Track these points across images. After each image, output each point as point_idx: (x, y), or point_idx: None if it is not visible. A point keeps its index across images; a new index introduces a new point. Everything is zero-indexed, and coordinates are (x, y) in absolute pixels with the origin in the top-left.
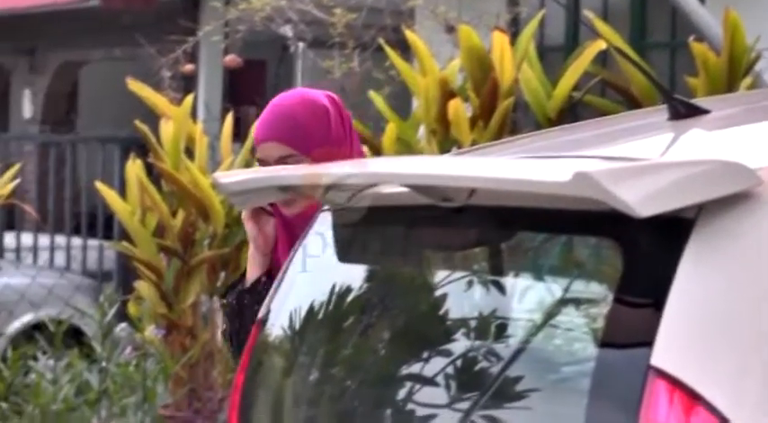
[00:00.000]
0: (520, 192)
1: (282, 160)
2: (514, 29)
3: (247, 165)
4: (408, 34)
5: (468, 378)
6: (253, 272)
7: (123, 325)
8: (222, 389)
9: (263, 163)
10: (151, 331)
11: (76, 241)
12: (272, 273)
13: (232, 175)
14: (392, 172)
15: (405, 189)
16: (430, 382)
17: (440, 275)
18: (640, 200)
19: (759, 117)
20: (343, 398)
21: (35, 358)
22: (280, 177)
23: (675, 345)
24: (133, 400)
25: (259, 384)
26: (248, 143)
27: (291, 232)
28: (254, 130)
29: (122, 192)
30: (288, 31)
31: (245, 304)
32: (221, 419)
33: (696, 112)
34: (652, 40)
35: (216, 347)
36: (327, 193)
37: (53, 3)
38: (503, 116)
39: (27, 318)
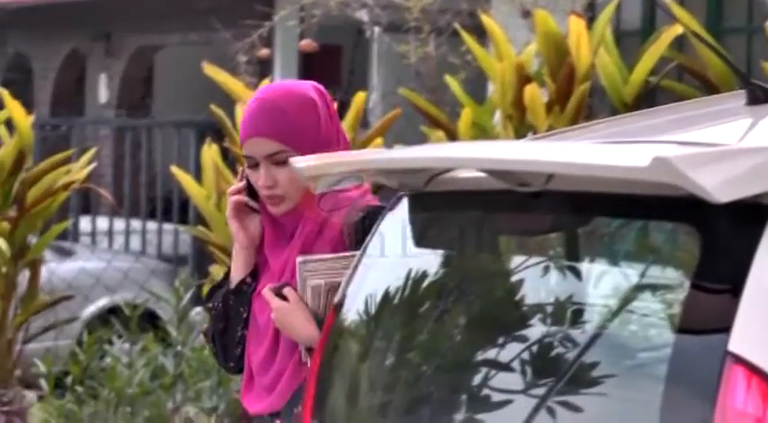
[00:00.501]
0: (597, 177)
1: (271, 157)
2: (591, 13)
3: None
4: (484, 19)
5: (543, 364)
6: (237, 272)
7: (198, 309)
8: None
9: (251, 160)
10: None
11: (152, 225)
12: (256, 272)
13: (309, 160)
14: (469, 156)
15: (481, 174)
16: (505, 367)
17: (516, 261)
18: (718, 185)
19: None
20: (418, 383)
21: (110, 342)
22: (359, 162)
23: (753, 330)
24: (208, 384)
25: (334, 369)
26: None
27: (279, 230)
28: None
29: (198, 176)
30: (363, 15)
31: (231, 305)
32: None
33: None
34: (728, 25)
35: None
36: (403, 178)
37: None
38: (579, 101)
39: (103, 302)
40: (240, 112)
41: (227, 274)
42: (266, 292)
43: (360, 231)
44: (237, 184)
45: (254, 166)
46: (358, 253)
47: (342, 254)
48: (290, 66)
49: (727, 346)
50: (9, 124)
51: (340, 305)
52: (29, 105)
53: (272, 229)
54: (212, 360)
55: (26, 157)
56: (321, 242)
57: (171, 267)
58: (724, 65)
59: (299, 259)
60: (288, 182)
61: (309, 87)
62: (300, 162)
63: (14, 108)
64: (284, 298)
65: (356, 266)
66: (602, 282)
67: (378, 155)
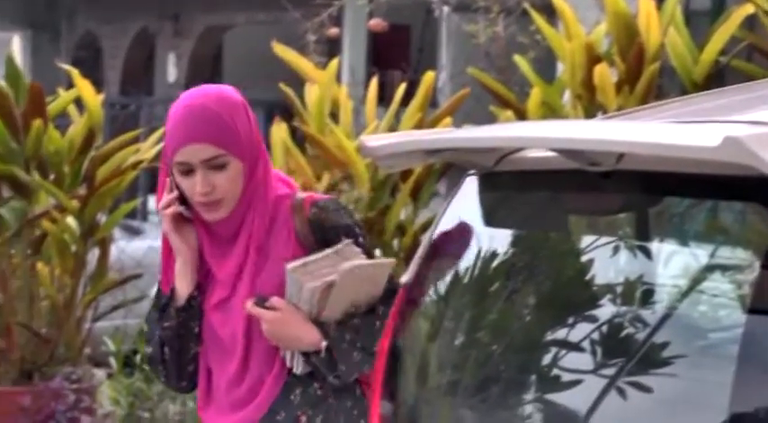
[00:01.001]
0: (668, 157)
1: (208, 162)
2: None
3: (392, 129)
4: None
5: (613, 344)
6: (184, 287)
7: None
8: None
9: (184, 166)
10: None
11: None
12: (200, 285)
13: (379, 139)
14: (540, 136)
15: (552, 153)
16: (575, 348)
17: (586, 240)
18: None
19: None
20: (488, 363)
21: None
22: (428, 141)
23: None
24: None
25: (404, 348)
26: (393, 107)
27: (215, 238)
28: (164, 133)
29: None
30: None
31: (181, 323)
32: None
33: None
34: None
35: None
36: (473, 158)
37: None
38: (649, 81)
39: None
40: (309, 91)
41: (172, 292)
42: (252, 307)
43: (317, 227)
44: (167, 196)
45: (187, 172)
46: (345, 245)
47: (321, 254)
48: (359, 45)
49: None
50: (79, 103)
51: (410, 284)
52: (98, 84)
53: (209, 238)
54: None
55: (96, 136)
56: (273, 243)
57: None
58: None
59: (291, 265)
60: (226, 186)
61: (231, 90)
62: (371, 141)
63: (84, 87)
64: (268, 309)
65: (426, 246)
66: (671, 262)
67: (448, 134)
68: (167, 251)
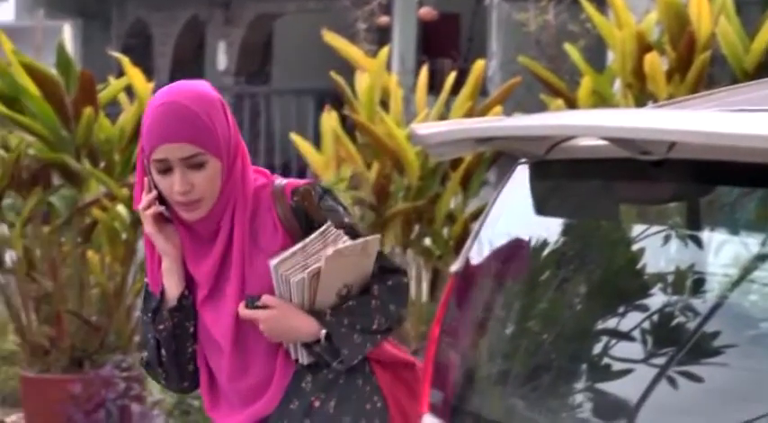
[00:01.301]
0: (720, 145)
1: (187, 160)
2: None
3: (442, 117)
4: None
5: (664, 334)
6: (173, 287)
7: None
8: (415, 341)
9: (162, 164)
10: None
11: None
12: (189, 283)
13: (430, 127)
14: (592, 124)
15: (603, 142)
16: (626, 337)
17: (637, 229)
18: None
19: None
20: (538, 351)
21: None
22: (479, 129)
23: None
24: None
25: (454, 337)
26: (444, 95)
27: (195, 237)
28: (141, 132)
29: (316, 143)
30: None
31: (176, 323)
32: None
33: None
34: None
35: (409, 300)
36: (524, 146)
37: None
38: (699, 70)
39: None
40: (360, 79)
41: (162, 293)
42: (244, 311)
43: (301, 214)
44: (147, 196)
45: (165, 171)
46: (326, 228)
47: (304, 242)
48: (409, 34)
49: None
50: (129, 91)
51: (460, 273)
52: (149, 72)
53: (189, 237)
54: None
55: None
56: (261, 235)
57: None
58: None
59: (273, 262)
60: (204, 185)
61: (208, 87)
62: (422, 129)
63: (135, 75)
64: (260, 308)
65: (477, 234)
66: (722, 251)
67: (499, 123)
68: (150, 251)
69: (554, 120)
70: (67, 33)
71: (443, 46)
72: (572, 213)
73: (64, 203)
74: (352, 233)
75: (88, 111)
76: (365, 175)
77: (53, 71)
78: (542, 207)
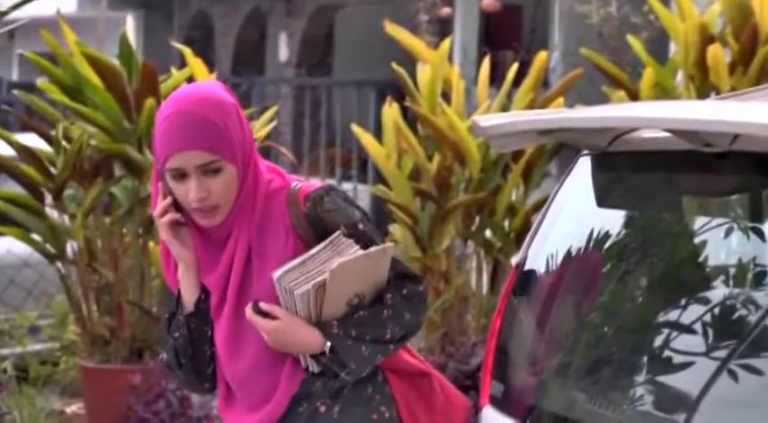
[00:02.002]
0: None
1: (202, 167)
2: None
3: (504, 109)
4: None
5: (725, 326)
6: (191, 292)
7: None
8: (475, 334)
9: (177, 172)
10: None
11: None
12: (204, 287)
13: (492, 119)
14: (655, 116)
15: (665, 134)
16: (687, 329)
17: (699, 221)
18: None
19: None
20: (600, 343)
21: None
22: (541, 121)
23: None
24: None
25: (514, 329)
26: (505, 87)
27: (209, 243)
28: (155, 141)
29: (377, 135)
30: None
31: (193, 328)
32: (474, 364)
33: None
34: None
35: (470, 292)
36: (587, 138)
37: None
38: (762, 62)
39: None
40: (421, 71)
41: (177, 300)
42: (251, 315)
43: (316, 221)
44: (162, 202)
45: (181, 177)
46: (336, 237)
47: (311, 252)
48: (471, 25)
49: None
50: (191, 82)
51: (521, 265)
52: (210, 63)
53: (203, 244)
54: None
55: None
56: (270, 244)
57: None
58: None
59: (276, 275)
60: (221, 191)
61: (220, 88)
62: (484, 121)
63: (196, 66)
64: (265, 315)
65: (538, 226)
66: None
67: (562, 114)
68: (167, 258)
69: (617, 111)
70: (130, 24)
71: (505, 37)
72: (634, 205)
73: (125, 194)
74: (365, 239)
75: (150, 102)
76: (426, 166)
77: (115, 62)
78: (604, 199)
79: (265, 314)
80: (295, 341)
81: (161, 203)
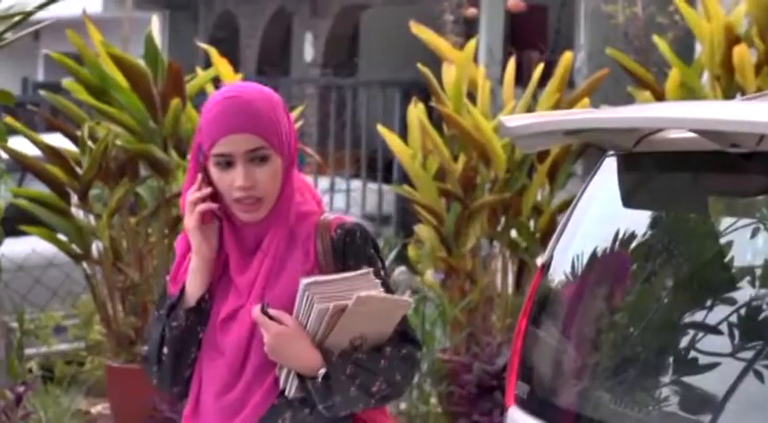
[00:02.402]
0: None
1: (251, 153)
2: None
3: (529, 109)
4: None
5: (751, 327)
6: (197, 288)
7: (402, 268)
8: (501, 334)
9: (223, 158)
10: (430, 275)
11: (356, 184)
12: (210, 288)
13: (519, 119)
14: (681, 117)
15: (692, 134)
16: (713, 329)
17: (725, 222)
18: None
19: None
20: (625, 344)
21: None
22: (568, 121)
23: None
24: None
25: (540, 328)
26: (531, 87)
27: (241, 242)
28: (198, 130)
29: (402, 135)
30: None
31: (188, 325)
32: (500, 364)
33: None
34: None
35: (495, 292)
36: (613, 138)
37: None
38: None
39: None
40: (447, 71)
41: (181, 291)
42: (258, 314)
43: (341, 250)
44: (203, 190)
45: (226, 165)
46: (365, 273)
47: (345, 275)
48: (496, 25)
49: None
50: (216, 82)
51: (547, 265)
52: (236, 63)
53: (236, 241)
54: (416, 319)
55: None
56: (290, 258)
57: (375, 226)
58: None
59: (306, 281)
60: (267, 181)
61: (271, 90)
62: (511, 121)
63: (222, 66)
64: (270, 318)
65: (564, 226)
66: None
67: (588, 114)
68: (185, 250)
69: (643, 112)
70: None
71: (531, 38)
72: (660, 206)
73: (151, 194)
74: (386, 287)
75: (175, 102)
76: (452, 166)
77: (141, 62)
78: (630, 199)
79: (272, 318)
80: (293, 353)
81: (200, 191)
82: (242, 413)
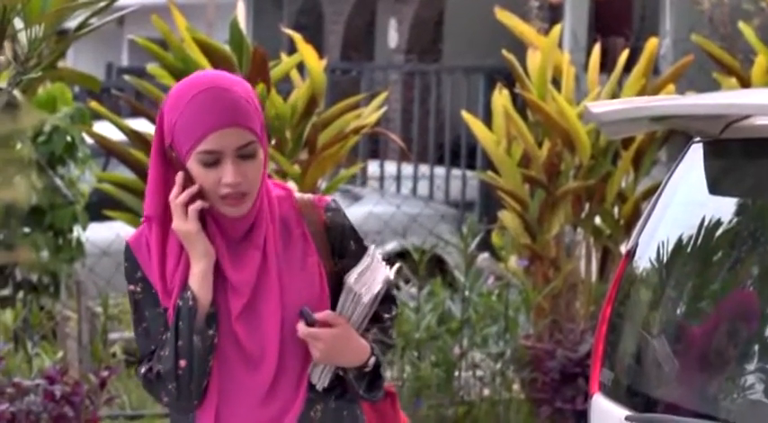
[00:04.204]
0: None
1: (240, 149)
2: None
3: (614, 96)
4: None
5: None
6: (207, 291)
7: (486, 255)
8: (584, 321)
9: (211, 155)
10: (514, 261)
11: (440, 171)
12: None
13: (605, 105)
14: None
15: None
16: None
17: None
18: None
19: None
20: (710, 332)
21: (398, 287)
22: (654, 108)
23: None
24: (494, 329)
25: (625, 316)
26: (616, 74)
27: (229, 240)
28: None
29: (486, 121)
30: None
31: (211, 334)
32: (583, 351)
33: None
34: None
35: (579, 279)
36: (699, 125)
37: None
38: None
39: (391, 246)
40: (531, 57)
41: (194, 301)
42: (304, 328)
43: (335, 232)
44: (188, 189)
45: (213, 164)
46: (375, 252)
47: (367, 259)
48: (581, 12)
49: None
50: (301, 68)
51: (632, 252)
52: (320, 49)
53: (223, 237)
54: (499, 306)
55: (318, 101)
56: (291, 248)
57: (458, 213)
58: None
59: (352, 279)
60: (254, 176)
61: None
62: (596, 107)
63: (307, 52)
64: (310, 324)
65: (649, 214)
66: None
67: (674, 101)
68: (176, 251)
69: (729, 99)
70: (240, 10)
71: (616, 24)
72: (746, 193)
73: None
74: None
75: (260, 87)
76: (536, 153)
77: (226, 47)
78: (716, 186)
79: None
80: (349, 351)
81: (186, 191)
82: (285, 419)
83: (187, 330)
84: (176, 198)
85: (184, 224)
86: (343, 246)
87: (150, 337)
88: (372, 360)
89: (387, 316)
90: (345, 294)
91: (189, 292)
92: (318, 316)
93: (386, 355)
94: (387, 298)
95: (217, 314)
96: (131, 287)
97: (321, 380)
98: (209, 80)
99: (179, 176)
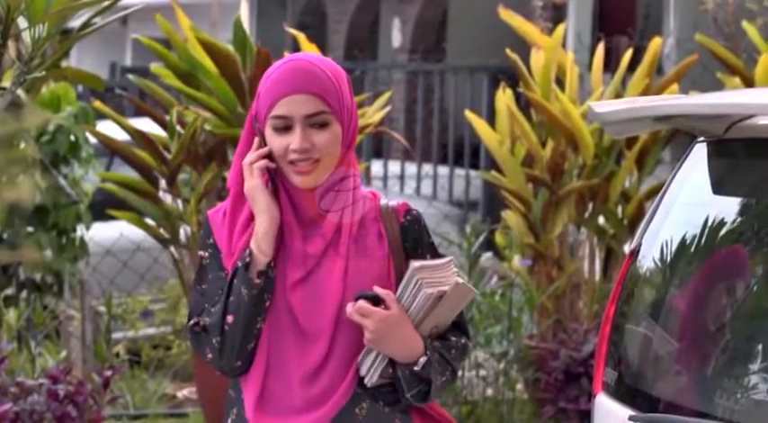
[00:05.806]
0: None
1: (311, 117)
2: None
3: (618, 96)
4: None
5: None
6: (266, 252)
7: (489, 254)
8: (588, 320)
9: (282, 121)
10: (517, 261)
11: (443, 170)
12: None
13: (608, 105)
14: None
15: None
16: None
17: None
18: None
19: None
20: (715, 331)
21: None
22: (658, 107)
23: None
24: (498, 329)
25: (629, 315)
26: (620, 73)
27: (300, 215)
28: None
29: (490, 121)
30: None
31: (261, 290)
32: (586, 351)
33: None
34: None
35: (583, 278)
36: (703, 125)
37: None
38: None
39: None
40: (535, 57)
41: (250, 256)
42: (358, 306)
43: (410, 236)
44: (258, 150)
45: (284, 129)
46: (449, 259)
47: (444, 260)
48: (585, 11)
49: None
50: None
51: (636, 252)
52: (323, 49)
53: (292, 209)
54: (503, 306)
55: None
56: (365, 237)
57: (461, 212)
58: None
59: (416, 264)
60: (325, 145)
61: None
62: (600, 107)
63: (310, 51)
64: (375, 303)
65: (653, 213)
66: None
67: (678, 101)
68: (238, 209)
69: (733, 98)
70: (244, 9)
71: (619, 23)
72: (750, 192)
73: None
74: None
75: None
76: (540, 152)
77: (230, 47)
78: (720, 186)
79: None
80: (399, 337)
81: (257, 151)
82: (327, 403)
83: (239, 287)
84: (248, 158)
85: (249, 182)
86: (416, 250)
87: (206, 296)
88: (423, 359)
89: (454, 339)
90: (407, 279)
91: (248, 251)
92: (380, 291)
93: (444, 373)
94: (460, 327)
95: (275, 281)
96: (201, 252)
97: (370, 374)
98: (298, 56)
99: (255, 141)
